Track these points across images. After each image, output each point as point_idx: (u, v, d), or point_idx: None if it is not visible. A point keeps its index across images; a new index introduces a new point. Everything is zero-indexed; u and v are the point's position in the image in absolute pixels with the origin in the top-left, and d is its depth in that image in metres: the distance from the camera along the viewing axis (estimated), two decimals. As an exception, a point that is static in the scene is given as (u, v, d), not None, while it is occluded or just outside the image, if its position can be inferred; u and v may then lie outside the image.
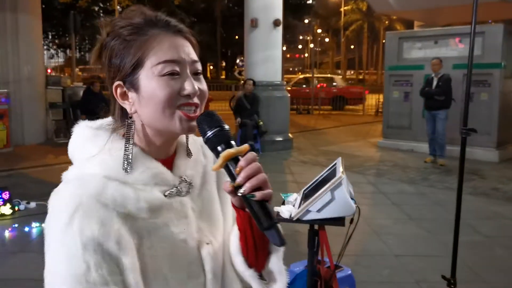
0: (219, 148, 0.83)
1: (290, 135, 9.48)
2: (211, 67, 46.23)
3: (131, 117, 0.89)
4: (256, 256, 0.96)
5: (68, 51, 41.71)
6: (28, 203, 5.22)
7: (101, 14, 34.34)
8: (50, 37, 35.67)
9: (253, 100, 8.67)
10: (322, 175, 2.32)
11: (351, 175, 6.59)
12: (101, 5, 33.02)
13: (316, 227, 2.19)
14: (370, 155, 8.79)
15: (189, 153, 0.98)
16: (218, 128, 0.84)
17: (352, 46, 55.13)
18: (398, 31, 16.16)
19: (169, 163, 0.93)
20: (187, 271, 0.91)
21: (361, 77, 54.28)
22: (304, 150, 9.20)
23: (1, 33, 9.00)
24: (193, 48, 0.92)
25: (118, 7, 29.35)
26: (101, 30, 0.92)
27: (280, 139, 9.13)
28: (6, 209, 4.91)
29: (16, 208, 5.05)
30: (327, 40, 53.82)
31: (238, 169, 0.81)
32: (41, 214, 4.88)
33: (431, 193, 6.09)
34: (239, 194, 0.82)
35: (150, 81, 0.85)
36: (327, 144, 10.07)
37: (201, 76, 0.92)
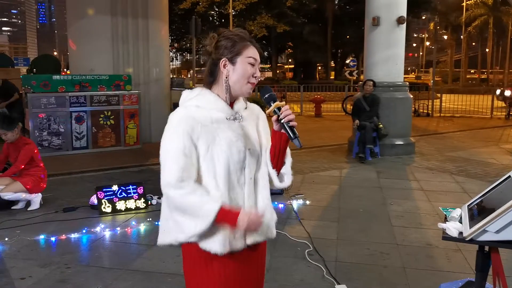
0: (271, 102, 1.70)
1: (411, 139, 8.91)
2: (319, 68, 45.82)
3: (227, 78, 1.69)
4: (277, 162, 1.76)
5: (184, 54, 44.32)
6: (159, 198, 5.50)
7: (216, 18, 35.87)
8: (169, 41, 38.20)
9: (372, 102, 8.29)
10: (492, 189, 2.02)
11: (486, 185, 5.96)
12: (217, 10, 34.41)
13: (486, 248, 1.91)
14: (506, 163, 7.91)
15: (246, 103, 1.80)
16: (270, 93, 1.71)
17: (474, 43, 50.88)
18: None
19: (232, 104, 1.73)
20: (236, 167, 1.67)
21: (484, 76, 49.90)
22: (427, 156, 8.59)
23: (134, 38, 9.72)
24: (260, 55, 1.75)
25: (233, 10, 30.40)
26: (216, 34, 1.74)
27: (401, 143, 8.62)
28: (141, 203, 5.21)
29: (149, 202, 5.34)
30: (445, 37, 50.34)
31: (281, 112, 1.66)
32: (170, 210, 5.11)
33: None
34: (281, 122, 1.66)
35: (242, 63, 1.67)
36: (453, 149, 9.29)
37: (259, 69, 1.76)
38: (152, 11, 9.93)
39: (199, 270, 1.70)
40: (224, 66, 1.67)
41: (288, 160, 1.79)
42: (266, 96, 1.69)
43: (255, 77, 1.68)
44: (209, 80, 1.72)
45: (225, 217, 1.56)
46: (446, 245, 4.04)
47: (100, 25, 9.35)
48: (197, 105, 1.67)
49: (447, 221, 1.97)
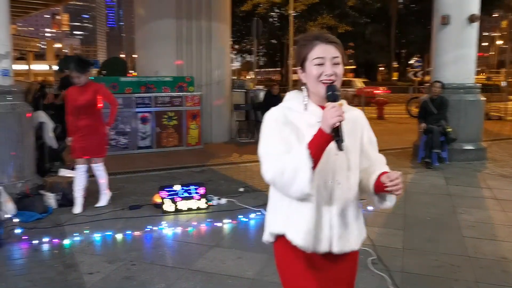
0: (331, 101, 1.62)
1: (483, 143, 8.41)
2: (382, 68, 44.61)
3: (305, 84, 1.75)
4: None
5: (244, 55, 44.78)
6: (219, 199, 5.55)
7: (276, 19, 35.92)
8: (231, 43, 38.77)
9: (440, 104, 7.90)
10: None
11: None
12: (277, 11, 34.47)
13: None
14: None
15: (345, 107, 1.75)
16: (332, 91, 1.64)
17: (552, 42, 47.40)
18: None
19: (324, 108, 1.63)
20: (326, 168, 1.70)
21: (563, 77, 46.38)
22: (501, 162, 8.06)
23: (198, 40, 9.92)
24: (337, 49, 1.71)
25: (293, 11, 30.32)
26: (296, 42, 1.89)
27: (471, 148, 8.15)
28: (202, 204, 5.28)
29: (210, 203, 5.40)
30: (519, 35, 47.30)
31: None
32: (231, 211, 5.14)
33: None
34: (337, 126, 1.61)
35: (310, 67, 1.70)
36: (529, 155, 8.67)
37: (338, 65, 1.70)
38: (215, 14, 10.09)
39: (289, 261, 1.77)
40: (301, 74, 1.75)
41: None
42: (329, 93, 1.65)
43: (326, 75, 1.67)
44: (302, 87, 1.80)
45: (314, 141, 1.59)
46: (525, 260, 3.74)
47: (165, 28, 9.64)
48: (289, 107, 1.75)
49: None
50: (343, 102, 1.69)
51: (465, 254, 3.98)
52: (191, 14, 9.78)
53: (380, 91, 23.22)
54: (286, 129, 1.68)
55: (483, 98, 8.63)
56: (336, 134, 1.56)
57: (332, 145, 1.61)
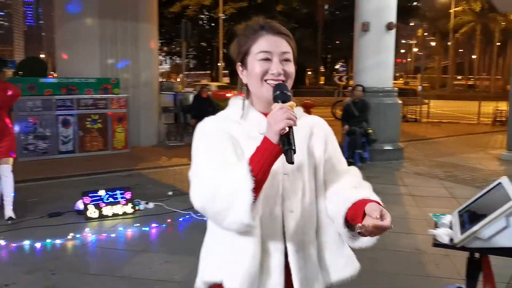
0: (279, 101, 1.24)
1: (400, 144, 8.95)
2: (309, 73, 45.97)
3: (246, 85, 1.39)
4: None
5: (173, 58, 44.23)
6: (147, 203, 5.43)
7: (206, 22, 35.87)
8: (159, 44, 38.08)
9: (362, 107, 8.32)
10: (482, 196, 2.01)
11: (475, 190, 5.99)
12: (207, 14, 34.42)
13: (476, 255, 1.90)
14: (493, 168, 7.98)
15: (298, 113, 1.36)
16: (281, 91, 1.26)
17: (461, 50, 51.52)
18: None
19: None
20: (272, 192, 1.31)
21: (471, 82, 50.52)
22: (416, 161, 8.63)
23: (123, 40, 9.64)
24: (288, 42, 1.36)
25: (223, 15, 30.44)
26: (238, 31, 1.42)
27: (390, 148, 8.65)
28: (128, 209, 5.14)
29: (137, 208, 5.27)
30: (433, 44, 50.89)
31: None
32: (159, 215, 5.05)
33: None
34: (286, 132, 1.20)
35: (253, 62, 1.34)
36: (441, 155, 9.35)
37: (289, 62, 1.35)
38: (141, 14, 9.87)
39: None
40: (241, 72, 1.40)
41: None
42: (276, 93, 1.28)
43: (273, 73, 1.31)
44: (242, 88, 1.43)
45: (258, 155, 1.20)
46: (435, 251, 4.01)
47: (88, 27, 9.28)
48: (226, 116, 1.41)
49: (437, 227, 1.96)
50: (295, 106, 1.29)
51: (384, 248, 4.21)
52: (116, 13, 9.48)
53: (231, 94, 23.96)
54: (221, 143, 1.31)
55: (400, 102, 9.19)
56: (285, 143, 1.17)
57: (280, 161, 1.23)
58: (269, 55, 1.32)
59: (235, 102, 1.42)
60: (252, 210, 1.17)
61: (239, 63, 1.39)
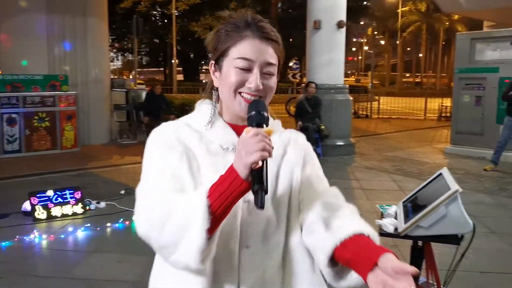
0: (253, 125, 1.01)
1: (352, 139, 9.20)
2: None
3: (216, 89, 1.17)
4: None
5: (125, 54, 43.27)
6: (98, 202, 5.31)
7: (158, 19, 35.29)
8: (110, 41, 37.08)
9: (315, 104, 8.49)
10: (424, 186, 2.12)
11: (421, 183, 6.28)
12: (159, 10, 33.86)
13: (420, 243, 2.00)
14: (438, 162, 8.36)
15: (276, 127, 1.23)
16: (257, 111, 1.03)
17: (408, 48, 53.47)
18: (469, 31, 15.40)
19: (241, 129, 1.07)
20: (227, 222, 1.05)
21: (418, 80, 52.52)
22: (367, 156, 8.90)
23: (71, 36, 9.34)
24: (275, 51, 1.12)
25: (176, 11, 30.03)
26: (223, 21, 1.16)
27: (342, 143, 8.88)
28: (78, 209, 5.00)
29: (87, 207, 5.14)
30: (382, 42, 52.52)
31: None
32: (111, 214, 4.95)
33: (512, 205, 5.66)
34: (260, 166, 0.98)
35: (228, 69, 1.10)
36: (391, 149, 9.70)
37: (272, 76, 1.12)
38: (90, 9, 9.59)
39: None
40: (213, 72, 1.17)
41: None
42: (251, 113, 1.04)
43: (250, 88, 1.08)
44: (212, 90, 1.21)
45: (221, 188, 0.98)
46: (384, 242, 4.16)
47: (34, 22, 8.91)
48: (188, 123, 1.19)
49: (383, 218, 2.05)
50: (275, 127, 1.15)
51: (335, 240, 4.33)
52: (64, 8, 9.17)
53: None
54: (176, 157, 1.09)
55: (351, 98, 9.44)
56: (255, 181, 0.95)
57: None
58: (249, 64, 1.09)
59: (202, 108, 1.21)
60: (203, 252, 0.95)
61: (213, 62, 1.16)
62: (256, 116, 1.02)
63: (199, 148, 1.12)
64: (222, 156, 1.12)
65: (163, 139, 1.13)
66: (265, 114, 1.03)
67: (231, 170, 0.97)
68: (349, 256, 0.99)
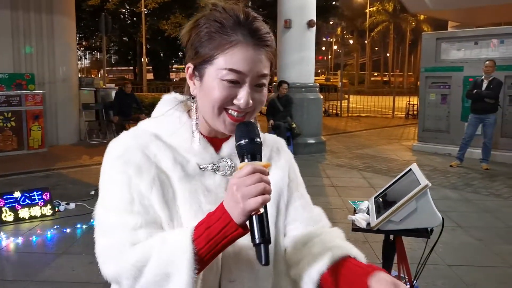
0: (245, 157, 0.85)
1: (322, 137, 9.31)
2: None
3: (194, 97, 0.98)
4: None
5: (94, 53, 42.43)
6: (67, 204, 5.20)
7: (128, 17, 34.75)
8: (77, 39, 36.26)
9: (286, 102, 8.55)
10: (394, 182, 2.17)
11: (390, 180, 6.42)
12: (128, 8, 33.34)
13: (391, 237, 2.06)
14: (406, 159, 8.56)
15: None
16: (250, 138, 0.86)
17: (377, 48, 54.47)
18: (435, 31, 15.81)
19: (220, 143, 1.00)
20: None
21: (386, 79, 53.56)
22: (338, 153, 9.03)
23: (38, 34, 9.10)
24: (268, 58, 0.94)
25: (145, 9, 29.64)
26: (204, 8, 0.96)
27: (313, 141, 8.98)
28: (47, 210, 4.89)
29: (56, 209, 5.03)
30: (351, 42, 53.32)
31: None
32: (81, 215, 4.86)
33: (477, 200, 5.85)
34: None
35: (213, 80, 0.90)
36: (360, 147, 9.87)
37: (263, 88, 0.95)
38: (57, 7, 9.37)
39: None
40: (190, 77, 0.98)
41: None
42: (241, 142, 0.87)
43: (237, 105, 0.92)
44: (186, 95, 1.03)
45: (212, 231, 0.83)
46: (355, 238, 4.25)
47: (-1, 19, 8.65)
48: (157, 134, 0.99)
49: (356, 213, 2.09)
50: (265, 164, 0.86)
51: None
52: (29, 5, 8.92)
53: None
54: (146, 183, 0.92)
55: (322, 97, 9.55)
56: (257, 233, 0.80)
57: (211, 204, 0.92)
58: (240, 77, 0.90)
59: (172, 113, 1.00)
60: None
61: (191, 65, 0.96)
62: (249, 146, 0.85)
63: (174, 169, 0.94)
64: (199, 179, 0.96)
65: (129, 157, 0.92)
66: (259, 140, 0.86)
67: (223, 212, 0.82)
68: (326, 276, 0.95)
